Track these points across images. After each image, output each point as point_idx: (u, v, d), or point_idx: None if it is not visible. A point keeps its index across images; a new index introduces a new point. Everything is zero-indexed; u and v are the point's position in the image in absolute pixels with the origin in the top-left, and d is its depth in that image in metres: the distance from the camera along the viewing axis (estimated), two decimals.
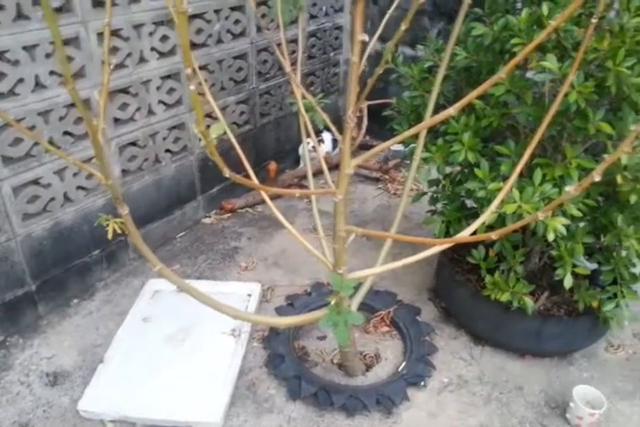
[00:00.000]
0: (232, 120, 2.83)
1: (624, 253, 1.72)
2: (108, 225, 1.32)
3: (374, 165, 3.40)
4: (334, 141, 3.50)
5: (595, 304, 1.85)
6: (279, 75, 3.03)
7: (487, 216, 1.51)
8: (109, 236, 1.18)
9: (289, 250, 2.58)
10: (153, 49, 2.27)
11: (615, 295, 1.78)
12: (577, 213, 1.59)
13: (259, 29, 2.79)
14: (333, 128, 1.67)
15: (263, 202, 3.06)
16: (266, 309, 2.26)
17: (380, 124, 2.31)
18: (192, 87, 0.91)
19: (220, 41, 2.58)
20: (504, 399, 1.90)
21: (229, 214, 2.91)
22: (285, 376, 1.86)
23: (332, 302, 1.53)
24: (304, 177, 3.25)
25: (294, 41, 3.09)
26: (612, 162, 1.60)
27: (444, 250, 2.22)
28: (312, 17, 3.16)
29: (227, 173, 1.07)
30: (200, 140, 2.69)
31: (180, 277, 2.44)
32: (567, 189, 0.95)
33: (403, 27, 1.19)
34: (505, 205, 1.59)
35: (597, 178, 0.93)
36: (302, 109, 1.69)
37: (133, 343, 2.01)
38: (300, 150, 3.36)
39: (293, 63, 3.14)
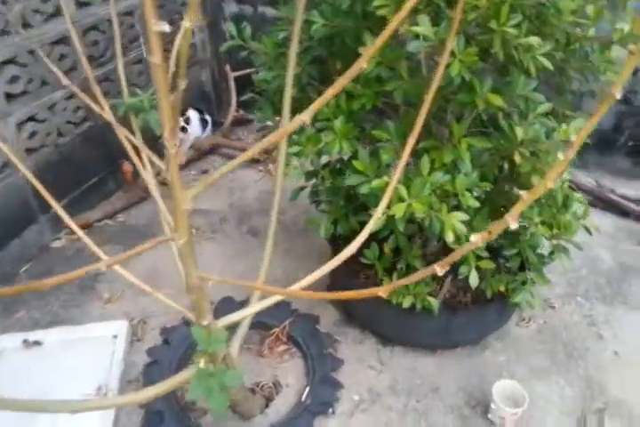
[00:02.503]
0: (65, 119, 2.33)
1: (528, 236, 1.55)
2: None
3: (250, 145, 3.05)
4: (203, 121, 3.07)
5: (502, 289, 1.68)
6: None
7: (374, 223, 1.24)
8: None
9: (161, 268, 2.19)
10: None
11: (524, 282, 1.61)
12: (474, 204, 1.37)
13: (80, 5, 2.28)
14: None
15: (125, 209, 2.63)
16: (139, 350, 1.88)
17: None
18: None
19: (27, 25, 2.06)
20: (421, 408, 1.71)
21: (85, 231, 2.44)
22: None
23: (201, 364, 1.20)
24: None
25: (129, 13, 2.61)
26: (507, 137, 1.41)
27: (337, 244, 1.97)
28: None
29: None
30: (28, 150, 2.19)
31: (29, 325, 2.03)
32: (472, 238, 0.68)
33: None
34: (393, 205, 1.33)
35: (514, 225, 0.67)
36: (112, 120, 1.28)
37: None
38: None
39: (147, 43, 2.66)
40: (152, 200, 2.64)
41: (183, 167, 2.84)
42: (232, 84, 3.13)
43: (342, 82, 0.92)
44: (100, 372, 1.79)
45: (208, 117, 3.11)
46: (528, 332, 1.98)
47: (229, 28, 1.63)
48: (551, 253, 1.55)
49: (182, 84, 0.85)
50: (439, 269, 0.83)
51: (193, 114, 2.99)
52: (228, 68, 3.15)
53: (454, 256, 0.82)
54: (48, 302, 2.09)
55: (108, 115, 1.25)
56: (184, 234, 1.10)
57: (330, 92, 0.93)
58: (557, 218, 1.44)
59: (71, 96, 2.33)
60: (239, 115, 3.20)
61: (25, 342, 1.90)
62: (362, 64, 0.90)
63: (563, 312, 2.06)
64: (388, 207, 1.34)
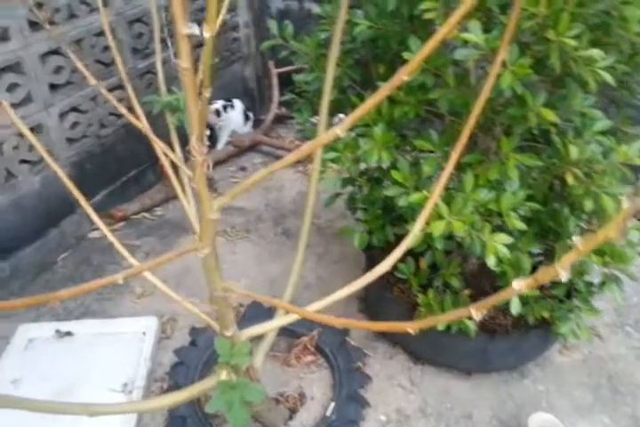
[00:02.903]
0: (108, 110, 2.33)
1: (577, 262, 1.42)
2: None
3: (290, 144, 2.98)
4: (246, 116, 3.04)
5: (546, 315, 1.56)
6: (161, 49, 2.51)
7: (410, 241, 1.16)
8: None
9: (194, 266, 2.16)
10: None
11: (571, 310, 1.49)
12: (520, 226, 1.26)
13: None
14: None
15: (163, 202, 2.62)
16: (166, 348, 1.87)
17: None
18: None
19: (72, 16, 2.06)
20: None
21: (122, 223, 2.46)
22: None
23: (222, 376, 1.16)
24: (213, 165, 2.80)
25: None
26: (559, 156, 1.29)
27: (372, 253, 1.90)
28: None
29: None
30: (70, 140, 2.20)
31: (63, 314, 2.06)
32: (515, 285, 0.60)
33: None
34: (431, 222, 1.25)
35: (564, 277, 0.58)
36: (146, 127, 1.24)
37: None
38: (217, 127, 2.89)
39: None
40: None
41: (222, 163, 2.81)
42: (275, 81, 3.07)
43: (382, 93, 0.84)
44: (128, 368, 1.79)
45: (250, 114, 3.07)
46: (571, 361, 1.84)
47: (271, 26, 1.57)
48: (602, 282, 1.42)
49: (207, 93, 0.79)
50: (475, 312, 0.74)
51: (238, 103, 2.95)
52: (271, 64, 3.09)
53: (494, 300, 0.73)
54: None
55: (140, 123, 1.21)
56: (208, 244, 1.05)
57: (369, 103, 0.85)
58: (610, 246, 1.32)
59: (114, 88, 2.32)
60: (281, 112, 3.14)
61: (57, 332, 1.91)
62: (402, 76, 0.82)
63: (610, 342, 1.91)
64: (427, 223, 1.26)
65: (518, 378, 1.79)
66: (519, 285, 0.62)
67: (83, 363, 1.80)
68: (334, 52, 1.35)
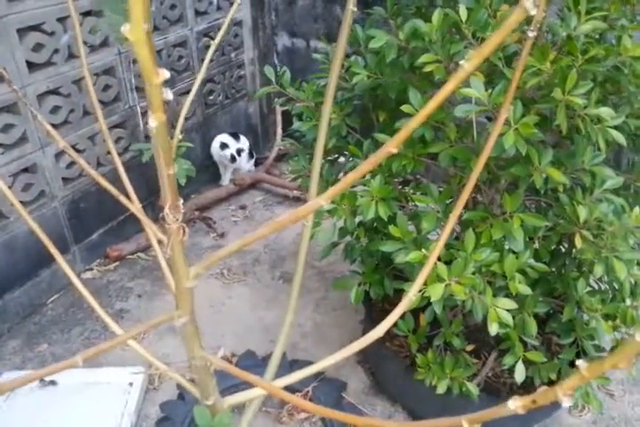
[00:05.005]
0: (105, 149, 2.29)
1: (589, 322, 1.34)
2: None
3: (292, 182, 2.92)
4: (251, 151, 3.00)
5: (554, 377, 1.47)
6: (166, 87, 2.49)
7: (405, 306, 1.08)
8: None
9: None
10: None
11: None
12: (525, 291, 1.18)
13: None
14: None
15: (160, 242, 2.56)
16: (153, 400, 1.79)
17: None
18: None
19: (72, 56, 2.04)
20: None
21: (117, 263, 2.40)
22: None
23: None
24: (213, 203, 2.76)
25: (181, 44, 2.57)
26: (566, 215, 1.22)
27: (371, 305, 1.83)
28: (200, 13, 2.63)
29: None
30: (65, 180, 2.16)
31: (49, 360, 1.98)
32: (510, 404, 0.51)
33: None
34: (430, 284, 1.17)
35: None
36: (110, 188, 1.16)
37: None
38: (217, 155, 2.84)
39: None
40: (188, 235, 2.58)
41: (222, 201, 2.76)
42: (279, 118, 3.04)
43: (365, 168, 0.77)
44: (111, 422, 1.70)
45: (253, 152, 3.03)
46: (582, 422, 1.74)
47: (267, 72, 1.53)
48: (613, 348, 1.33)
49: (170, 170, 0.73)
50: (466, 424, 0.65)
51: (244, 139, 2.91)
52: (276, 101, 3.07)
53: (490, 414, 0.64)
54: (71, 337, 2.03)
55: (103, 180, 1.13)
56: (186, 312, 0.98)
57: (349, 178, 0.79)
58: (623, 310, 1.23)
59: (114, 126, 2.30)
60: (284, 149, 3.10)
61: (41, 381, 1.84)
62: (390, 149, 0.76)
63: (623, 403, 1.80)
64: (425, 284, 1.19)
65: None
66: (515, 404, 0.54)
67: (64, 416, 1.71)
68: (328, 104, 1.29)
